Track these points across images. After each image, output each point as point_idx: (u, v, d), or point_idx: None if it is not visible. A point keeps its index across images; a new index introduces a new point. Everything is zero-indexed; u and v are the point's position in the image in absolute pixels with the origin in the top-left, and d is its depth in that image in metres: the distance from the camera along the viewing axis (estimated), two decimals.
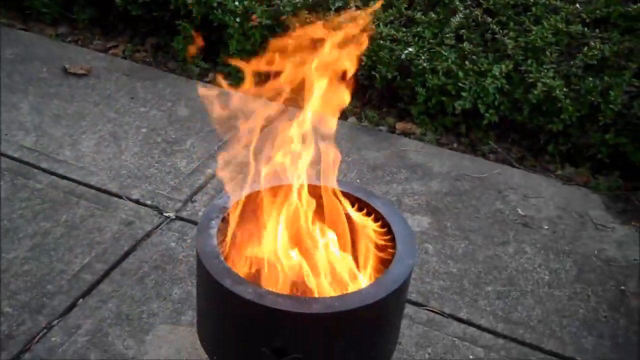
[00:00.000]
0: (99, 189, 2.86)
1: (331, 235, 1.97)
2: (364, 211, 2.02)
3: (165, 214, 2.76)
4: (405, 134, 3.36)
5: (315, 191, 1.98)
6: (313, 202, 1.98)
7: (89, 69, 3.65)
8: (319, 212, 2.00)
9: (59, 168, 2.95)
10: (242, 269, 1.92)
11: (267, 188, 2.01)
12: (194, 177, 2.96)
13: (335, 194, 1.98)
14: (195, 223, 2.70)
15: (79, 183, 2.88)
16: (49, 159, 2.99)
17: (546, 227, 2.83)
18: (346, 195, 2.01)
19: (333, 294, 1.86)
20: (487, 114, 3.20)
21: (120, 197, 2.83)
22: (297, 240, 1.98)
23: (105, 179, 2.91)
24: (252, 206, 2.02)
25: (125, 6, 3.82)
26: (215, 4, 3.54)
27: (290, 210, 1.98)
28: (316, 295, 1.84)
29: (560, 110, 3.09)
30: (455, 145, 3.32)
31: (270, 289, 1.76)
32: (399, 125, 3.40)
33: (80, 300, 2.36)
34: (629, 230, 2.84)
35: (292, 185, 1.96)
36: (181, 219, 2.74)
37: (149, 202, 2.80)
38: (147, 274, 2.47)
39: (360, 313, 1.70)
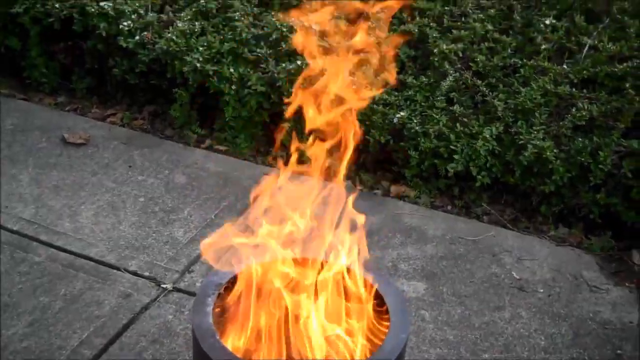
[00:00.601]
0: (97, 261, 2.89)
1: (325, 310, 1.99)
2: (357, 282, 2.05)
3: (162, 285, 2.78)
4: (400, 197, 3.40)
5: (310, 263, 2.01)
6: (308, 275, 2.01)
7: (87, 137, 3.71)
8: (315, 283, 2.03)
9: (58, 240, 2.99)
10: (238, 345, 1.94)
11: (261, 262, 2.04)
12: (191, 247, 2.99)
13: (330, 265, 2.01)
14: (192, 294, 2.72)
15: (78, 255, 2.91)
16: (48, 231, 3.03)
17: (541, 290, 2.85)
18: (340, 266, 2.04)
19: None
20: (479, 177, 3.25)
21: (118, 268, 2.86)
22: (292, 315, 2.00)
23: (103, 251, 2.95)
24: (248, 281, 2.04)
25: (123, 75, 3.90)
26: (211, 72, 3.61)
27: (286, 284, 2.01)
28: None
29: (551, 171, 3.14)
30: (449, 207, 3.36)
31: None
32: (394, 189, 3.44)
33: None
34: (623, 292, 2.86)
35: (288, 258, 1.99)
36: (179, 290, 2.77)
37: (146, 274, 2.83)
38: (145, 348, 2.49)
39: None
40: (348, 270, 2.05)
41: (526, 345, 2.58)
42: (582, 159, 3.12)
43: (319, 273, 2.03)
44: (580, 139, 3.17)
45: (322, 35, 2.12)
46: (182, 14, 3.91)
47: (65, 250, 2.93)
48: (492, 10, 3.78)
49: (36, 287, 2.73)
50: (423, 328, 2.64)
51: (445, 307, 2.74)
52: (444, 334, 2.62)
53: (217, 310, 2.00)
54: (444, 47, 3.56)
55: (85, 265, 2.87)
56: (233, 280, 2.06)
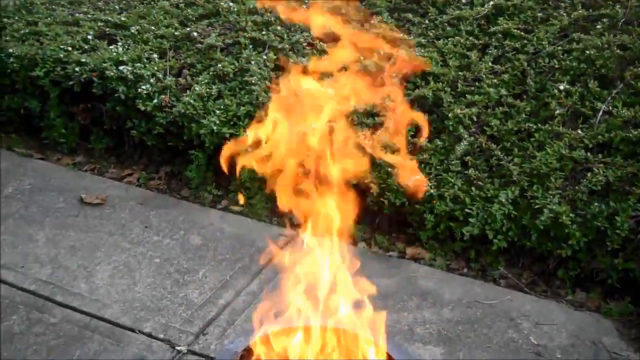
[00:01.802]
0: (112, 323, 2.88)
1: None
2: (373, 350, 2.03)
3: (177, 347, 2.77)
4: (415, 259, 3.39)
5: (329, 333, 2.00)
6: (325, 344, 2.00)
7: (104, 198, 3.74)
8: (332, 352, 2.02)
9: (73, 301, 2.99)
10: None
11: (277, 331, 2.03)
12: (206, 309, 2.98)
13: (347, 336, 2.00)
14: (207, 357, 2.70)
15: (93, 316, 2.91)
16: (64, 292, 3.03)
17: (560, 356, 2.81)
18: (355, 335, 2.03)
19: None
20: (495, 240, 3.24)
21: (133, 330, 2.85)
22: None
23: (118, 312, 2.94)
24: (266, 349, 2.03)
25: (140, 136, 3.95)
26: (227, 135, 3.65)
27: (302, 354, 2.00)
28: None
29: (568, 235, 3.13)
30: (465, 270, 3.35)
31: None
32: (409, 251, 3.43)
33: None
34: None
35: (307, 327, 1.98)
36: (193, 352, 2.75)
37: (161, 336, 2.82)
38: None
39: None
40: (366, 339, 2.03)
41: None
42: (599, 224, 3.11)
43: (336, 343, 2.02)
44: (596, 204, 3.17)
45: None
46: (199, 78, 3.98)
47: (80, 311, 2.93)
48: (505, 75, 3.82)
49: (51, 349, 2.72)
50: None
51: None
52: None
53: None
54: (459, 111, 3.60)
55: (101, 326, 2.86)
56: (249, 349, 2.05)
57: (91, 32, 4.39)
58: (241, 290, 3.10)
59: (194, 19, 4.56)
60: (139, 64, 4.06)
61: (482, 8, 4.33)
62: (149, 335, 2.83)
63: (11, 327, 2.82)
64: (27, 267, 3.18)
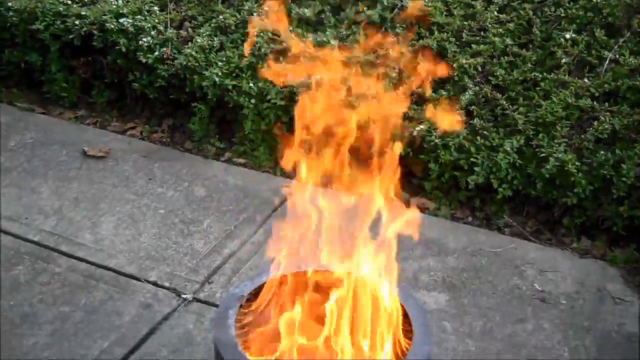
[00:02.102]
0: (117, 272, 2.89)
1: (350, 322, 1.97)
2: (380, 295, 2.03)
3: (183, 295, 2.78)
4: (420, 209, 3.37)
5: (334, 276, 2.00)
6: (333, 287, 2.00)
7: (107, 151, 3.72)
8: (339, 296, 2.01)
9: (78, 251, 2.99)
10: (261, 357, 1.93)
11: (287, 274, 2.03)
12: (211, 258, 2.98)
13: (356, 279, 2.00)
14: (212, 304, 2.71)
15: (98, 266, 2.92)
16: (69, 242, 3.04)
17: (564, 302, 2.82)
18: (363, 279, 2.02)
19: None
20: (500, 189, 3.23)
21: (138, 279, 2.86)
22: (318, 325, 1.99)
23: (123, 262, 2.94)
24: (273, 292, 2.03)
25: (142, 89, 3.92)
26: (230, 87, 3.62)
27: (310, 297, 2.00)
28: None
29: (573, 184, 3.11)
30: (470, 219, 3.34)
31: None
32: (413, 201, 3.42)
33: None
34: None
35: (314, 271, 1.98)
36: (199, 300, 2.76)
37: (166, 284, 2.83)
38: (166, 358, 2.48)
39: None
40: (372, 283, 2.03)
41: (549, 358, 2.55)
42: (605, 172, 3.09)
43: (343, 286, 2.02)
44: (602, 152, 3.15)
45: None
46: (201, 30, 3.94)
47: (85, 261, 2.94)
48: (511, 25, 3.76)
49: (57, 298, 2.73)
50: (445, 339, 2.61)
51: (467, 319, 2.72)
52: (465, 345, 2.59)
53: (238, 323, 1.98)
54: (464, 61, 3.56)
55: (106, 276, 2.87)
56: (255, 293, 2.05)
57: None
58: (246, 240, 3.10)
59: None
60: (139, 17, 4.01)
61: None
62: (155, 284, 2.83)
63: (17, 276, 2.83)
64: (32, 218, 3.18)
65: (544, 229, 3.27)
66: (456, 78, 3.53)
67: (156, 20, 4.00)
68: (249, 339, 1.96)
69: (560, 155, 3.13)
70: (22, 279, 2.82)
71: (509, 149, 3.22)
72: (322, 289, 2.01)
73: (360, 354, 1.94)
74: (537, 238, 3.22)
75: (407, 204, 3.31)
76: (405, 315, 1.99)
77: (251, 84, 3.61)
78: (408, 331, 1.97)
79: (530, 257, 3.06)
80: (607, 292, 2.88)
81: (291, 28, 3.81)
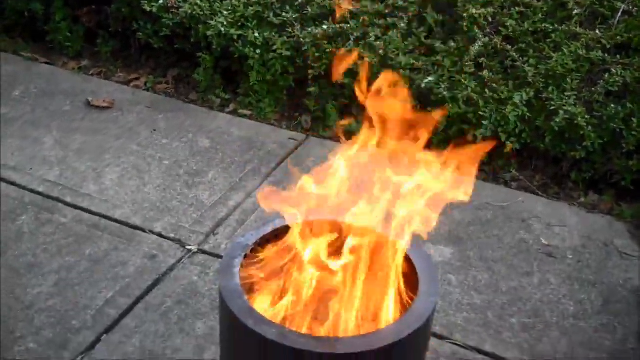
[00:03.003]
0: (122, 223, 2.88)
1: (356, 272, 1.96)
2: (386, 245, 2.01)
3: (187, 247, 2.77)
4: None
5: (339, 227, 1.98)
6: (338, 238, 1.98)
7: (111, 101, 3.69)
8: (344, 246, 2.00)
9: (82, 202, 2.98)
10: (266, 307, 1.92)
11: (290, 224, 2.01)
12: (216, 210, 2.97)
13: (364, 230, 1.98)
14: (217, 256, 2.71)
15: (103, 217, 2.91)
16: (73, 193, 3.03)
17: (570, 256, 2.80)
18: (367, 228, 2.00)
19: (358, 332, 1.85)
20: (508, 142, 3.19)
21: (143, 230, 2.85)
22: (324, 276, 1.97)
23: (128, 212, 2.93)
24: (280, 241, 2.02)
25: (147, 39, 3.87)
26: (235, 37, 3.56)
27: (315, 246, 1.98)
28: (340, 335, 1.83)
29: (582, 137, 3.08)
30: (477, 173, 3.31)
31: (294, 329, 1.76)
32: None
33: (105, 335, 2.37)
34: None
35: (318, 220, 1.96)
36: (204, 252, 2.76)
37: (171, 236, 2.82)
38: (171, 308, 2.48)
39: (384, 353, 1.69)
40: (379, 234, 2.01)
41: (555, 311, 2.55)
42: (615, 125, 3.05)
43: (348, 237, 2.00)
44: (612, 105, 3.10)
45: None
46: None
47: (90, 212, 2.93)
48: None
49: (61, 248, 2.73)
50: (450, 292, 2.61)
51: (472, 272, 2.71)
52: (470, 298, 2.59)
53: (243, 272, 1.97)
54: (474, 11, 3.48)
55: (110, 226, 2.86)
56: (260, 243, 2.04)
57: None
58: (251, 192, 3.08)
59: None
60: None
61: None
62: (159, 235, 2.83)
63: (21, 227, 2.83)
64: (36, 169, 3.17)
65: (551, 183, 3.24)
66: (465, 29, 3.46)
67: None
68: (255, 288, 1.95)
69: (569, 108, 3.08)
70: (26, 229, 2.81)
71: (518, 101, 3.17)
72: (328, 239, 2.00)
73: (365, 305, 1.93)
74: (545, 192, 3.19)
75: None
76: (412, 266, 1.97)
77: (257, 34, 3.55)
78: (414, 282, 1.95)
79: (537, 211, 3.04)
80: (614, 247, 2.87)
81: None
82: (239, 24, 3.64)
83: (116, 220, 2.89)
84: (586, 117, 3.08)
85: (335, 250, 1.97)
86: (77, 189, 3.05)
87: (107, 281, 2.58)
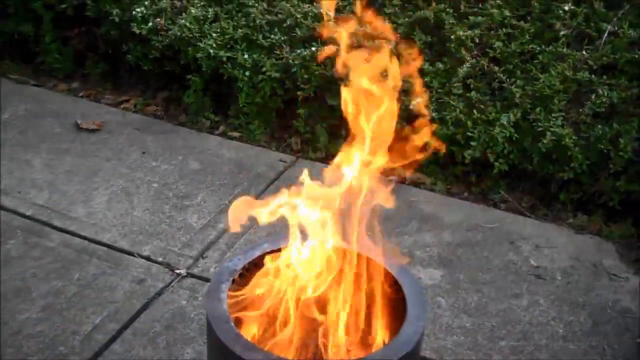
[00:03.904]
0: (110, 246, 2.87)
1: (343, 297, 1.96)
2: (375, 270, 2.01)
3: (176, 271, 2.76)
4: (415, 184, 3.36)
5: (328, 250, 1.98)
6: (326, 262, 1.98)
7: (100, 123, 3.69)
8: (333, 271, 2.00)
9: (71, 225, 2.97)
10: (254, 332, 1.92)
11: (276, 248, 2.01)
12: (205, 233, 2.97)
13: (347, 253, 1.98)
14: (206, 280, 2.70)
15: (91, 241, 2.90)
16: (62, 217, 3.02)
17: (559, 278, 2.81)
18: (357, 254, 2.01)
19: (345, 357, 1.84)
20: (496, 163, 3.20)
21: (132, 254, 2.84)
22: (312, 301, 1.97)
23: (117, 236, 2.93)
24: (267, 266, 2.01)
25: (136, 61, 3.88)
26: (224, 58, 3.58)
27: (303, 271, 1.98)
28: None
29: (570, 158, 3.09)
30: (465, 194, 3.32)
31: (282, 355, 1.76)
32: (409, 175, 3.40)
33: None
34: None
35: (305, 245, 1.95)
36: (192, 275, 2.75)
37: (160, 259, 2.81)
38: (159, 333, 2.47)
39: None
40: (366, 257, 2.02)
41: (544, 333, 2.55)
42: (602, 146, 3.06)
43: (337, 260, 2.00)
44: (600, 126, 3.12)
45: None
46: (195, 0, 3.88)
47: (78, 236, 2.92)
48: None
49: (49, 272, 2.72)
50: (439, 315, 2.60)
51: (462, 295, 2.71)
52: (460, 321, 2.59)
53: (231, 297, 1.97)
54: (461, 33, 3.50)
55: (99, 250, 2.85)
56: (248, 267, 2.04)
57: None
58: None
59: None
60: None
61: None
62: (148, 258, 2.82)
63: (9, 251, 2.81)
64: (24, 192, 3.16)
65: (540, 205, 3.25)
66: (453, 50, 3.49)
67: None
68: (242, 314, 1.95)
69: (557, 129, 3.10)
70: (14, 253, 2.80)
71: (505, 122, 3.19)
72: (316, 264, 2.00)
73: (353, 330, 1.93)
74: (533, 213, 3.20)
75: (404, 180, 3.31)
76: (400, 290, 1.97)
77: (246, 56, 3.56)
78: (403, 306, 1.95)
79: (526, 233, 3.05)
80: (603, 268, 2.87)
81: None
82: (228, 46, 3.65)
83: (104, 244, 2.88)
84: (573, 138, 3.09)
85: (322, 274, 1.97)
86: (65, 212, 3.04)
87: (95, 306, 2.57)
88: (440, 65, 3.45)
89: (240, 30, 3.66)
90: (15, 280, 2.67)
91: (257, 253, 2.03)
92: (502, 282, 2.77)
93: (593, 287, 2.78)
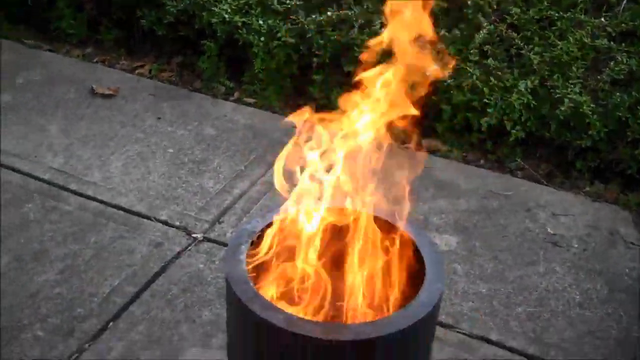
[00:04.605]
0: (127, 210, 2.88)
1: (363, 260, 1.96)
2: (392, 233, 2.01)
3: (193, 235, 2.77)
4: (431, 151, 3.35)
5: (347, 213, 1.98)
6: (346, 224, 1.98)
7: (115, 89, 3.68)
8: (350, 234, 2.00)
9: (87, 190, 2.98)
10: (273, 293, 1.92)
11: (295, 211, 2.00)
12: (221, 198, 2.97)
13: (368, 217, 1.98)
14: (223, 244, 2.71)
15: (108, 205, 2.91)
16: (78, 181, 3.02)
17: (576, 245, 2.80)
18: (375, 217, 2.00)
19: (364, 319, 1.85)
20: (513, 131, 3.18)
21: (149, 218, 2.85)
22: (329, 263, 1.98)
23: (133, 200, 2.93)
24: (285, 229, 2.01)
25: (151, 26, 3.86)
26: (239, 24, 3.55)
27: (322, 233, 1.98)
28: (347, 321, 1.83)
29: (588, 126, 3.07)
30: (481, 162, 3.30)
31: (301, 315, 1.76)
32: (425, 142, 3.38)
33: (111, 323, 2.38)
34: None
35: (324, 207, 1.95)
36: (209, 240, 2.76)
37: (177, 224, 2.82)
38: (177, 296, 2.48)
39: (391, 339, 1.69)
40: (385, 221, 2.01)
41: (560, 300, 2.55)
42: (620, 114, 3.04)
43: (356, 222, 2.00)
44: (618, 94, 3.09)
45: None
46: None
47: (95, 200, 2.93)
48: None
49: (67, 236, 2.73)
50: (455, 281, 2.61)
51: (477, 261, 2.71)
52: (476, 287, 2.59)
53: (250, 258, 1.97)
54: None
55: (116, 214, 2.86)
56: (267, 229, 2.03)
57: None
58: (256, 180, 3.08)
59: None
60: None
61: None
62: (165, 222, 2.83)
63: (27, 214, 2.83)
64: (40, 156, 3.16)
65: (556, 172, 3.24)
66: (470, 17, 3.45)
67: None
68: (260, 274, 1.96)
69: (575, 96, 3.08)
70: (31, 216, 2.81)
71: (523, 89, 3.16)
72: (334, 227, 1.99)
73: (371, 292, 1.93)
74: (550, 181, 3.19)
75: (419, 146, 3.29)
76: (419, 254, 1.97)
77: (261, 21, 3.54)
78: (421, 270, 1.95)
79: (542, 201, 3.04)
80: (620, 236, 2.86)
81: None
82: (243, 11, 3.63)
83: (121, 208, 2.89)
84: (591, 105, 3.07)
85: (340, 236, 1.97)
86: (82, 177, 3.05)
87: (113, 269, 2.59)
88: (457, 32, 3.42)
89: None
90: (33, 244, 2.68)
91: (276, 216, 2.03)
92: (518, 250, 2.77)
93: (609, 254, 2.77)
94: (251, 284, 1.82)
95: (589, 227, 2.90)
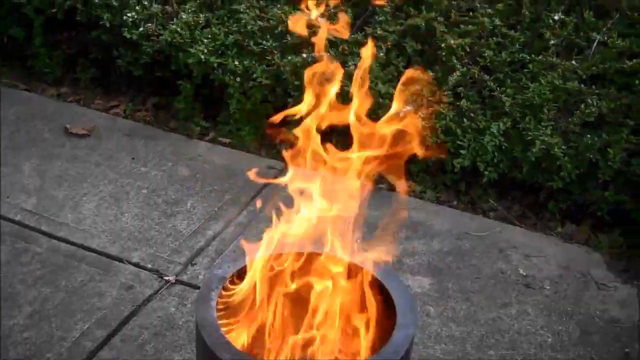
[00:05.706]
0: (99, 253, 2.86)
1: (332, 305, 1.96)
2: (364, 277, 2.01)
3: (165, 277, 2.75)
4: (405, 192, 3.36)
5: (316, 258, 1.98)
6: (316, 270, 1.98)
7: (90, 129, 3.68)
8: (321, 278, 2.00)
9: (59, 231, 2.96)
10: (243, 340, 1.91)
11: (267, 256, 2.00)
12: (194, 239, 2.96)
13: (336, 260, 1.98)
14: (195, 287, 2.69)
15: (80, 246, 2.89)
16: (50, 222, 3.00)
17: (548, 287, 2.82)
18: (347, 261, 2.00)
19: None
20: (486, 172, 3.21)
21: (120, 260, 2.83)
22: (300, 308, 1.97)
23: (105, 242, 2.92)
24: (254, 274, 2.01)
25: (127, 66, 3.87)
26: (215, 65, 3.57)
27: (292, 279, 1.97)
28: None
29: (559, 167, 3.10)
30: (455, 203, 3.33)
31: None
32: (398, 184, 3.40)
33: None
34: (631, 289, 2.83)
35: (296, 253, 1.95)
36: (181, 282, 2.74)
37: (149, 266, 2.80)
38: (147, 340, 2.46)
39: None
40: (355, 265, 2.01)
41: (533, 342, 2.55)
42: (591, 156, 3.08)
43: (326, 267, 2.00)
44: (589, 136, 3.13)
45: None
46: (186, 6, 3.86)
47: (67, 241, 2.90)
48: (500, 5, 3.72)
49: (37, 278, 2.71)
50: (428, 324, 2.61)
51: (450, 303, 2.71)
52: (449, 329, 2.59)
53: (220, 304, 1.96)
54: (452, 41, 3.51)
55: (87, 256, 2.84)
56: (237, 275, 2.03)
57: None
58: (230, 221, 3.08)
59: None
60: None
61: None
62: (137, 265, 2.81)
63: None
64: (13, 196, 3.14)
65: (529, 213, 3.27)
66: (444, 59, 3.50)
67: None
68: (231, 320, 1.94)
69: (546, 138, 3.11)
70: (2, 258, 2.79)
71: (495, 131, 3.20)
72: (303, 272, 1.99)
73: (343, 337, 1.92)
74: (522, 222, 3.22)
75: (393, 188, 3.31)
76: (389, 297, 1.97)
77: (236, 62, 3.56)
78: (392, 313, 1.95)
79: (515, 242, 3.06)
80: (591, 277, 2.88)
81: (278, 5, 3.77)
82: (219, 52, 3.65)
83: (93, 250, 2.87)
84: (563, 147, 3.10)
85: (311, 281, 1.97)
86: (54, 218, 3.03)
87: (83, 312, 2.56)
88: (431, 73, 3.46)
89: (231, 37, 3.66)
90: (3, 287, 2.65)
91: (247, 260, 2.03)
92: (491, 291, 2.78)
93: (581, 296, 2.79)
94: (221, 331, 1.81)
95: (561, 268, 2.92)
